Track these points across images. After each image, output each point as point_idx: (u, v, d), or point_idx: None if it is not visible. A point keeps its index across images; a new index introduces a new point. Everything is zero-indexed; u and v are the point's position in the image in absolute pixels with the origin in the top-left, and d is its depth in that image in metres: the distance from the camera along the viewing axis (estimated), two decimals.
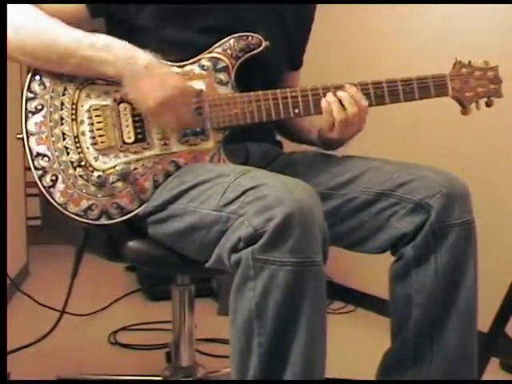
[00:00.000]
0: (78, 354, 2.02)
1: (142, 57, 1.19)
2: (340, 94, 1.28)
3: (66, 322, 2.12)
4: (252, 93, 1.26)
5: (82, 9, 1.28)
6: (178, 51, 1.27)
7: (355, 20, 2.49)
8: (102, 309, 2.47)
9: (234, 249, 1.03)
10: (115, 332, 2.20)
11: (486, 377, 1.57)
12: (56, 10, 1.25)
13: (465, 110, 1.38)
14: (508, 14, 1.95)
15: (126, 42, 1.21)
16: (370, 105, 1.31)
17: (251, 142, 1.37)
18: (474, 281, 1.23)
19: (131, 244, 1.26)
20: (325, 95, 1.28)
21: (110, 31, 1.32)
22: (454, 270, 1.21)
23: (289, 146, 1.53)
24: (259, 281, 1.00)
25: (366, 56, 2.43)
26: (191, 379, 1.59)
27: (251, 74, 1.29)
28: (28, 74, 1.24)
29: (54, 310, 2.12)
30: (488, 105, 1.39)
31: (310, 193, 1.06)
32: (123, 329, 2.23)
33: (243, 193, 1.06)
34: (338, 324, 2.33)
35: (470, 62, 1.37)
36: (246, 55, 1.29)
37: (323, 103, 1.28)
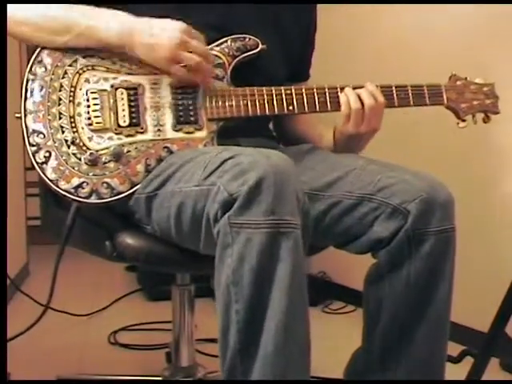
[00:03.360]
0: (78, 354, 2.02)
1: (142, 19, 1.23)
2: (358, 89, 1.31)
3: (66, 322, 2.13)
4: (247, 88, 1.29)
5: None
6: None
7: (354, 21, 2.48)
8: (102, 309, 2.47)
9: (216, 218, 1.03)
10: (115, 332, 2.19)
11: (485, 377, 1.57)
12: None
13: (461, 122, 1.39)
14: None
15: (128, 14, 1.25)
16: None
17: (243, 138, 1.37)
18: (448, 292, 1.21)
19: (130, 242, 1.26)
20: (320, 95, 1.30)
21: None
22: (427, 279, 1.19)
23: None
24: (236, 246, 0.99)
25: (365, 58, 2.43)
26: (191, 379, 1.58)
27: (250, 83, 1.31)
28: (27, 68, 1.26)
29: (54, 310, 2.12)
30: (485, 121, 1.40)
31: (286, 160, 1.06)
32: (123, 329, 2.23)
33: (222, 163, 1.06)
34: (338, 324, 2.34)
35: (466, 78, 1.40)
36: (243, 55, 1.32)
37: (342, 96, 1.31)
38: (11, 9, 1.24)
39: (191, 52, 1.22)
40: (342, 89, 1.32)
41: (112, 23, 1.22)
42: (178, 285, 1.58)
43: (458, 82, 1.39)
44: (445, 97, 1.38)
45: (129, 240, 1.26)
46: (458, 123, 1.40)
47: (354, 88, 1.32)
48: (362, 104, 1.30)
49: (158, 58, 1.23)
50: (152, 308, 2.52)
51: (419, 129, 2.23)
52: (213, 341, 2.07)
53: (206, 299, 2.51)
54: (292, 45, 1.45)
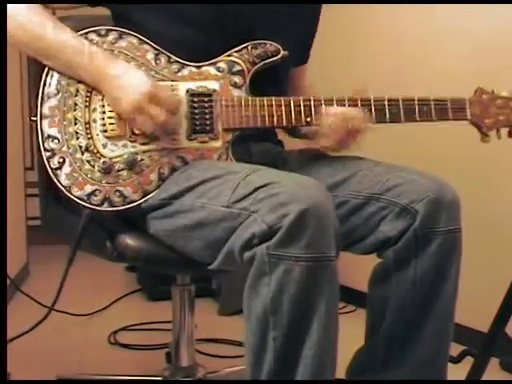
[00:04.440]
0: (78, 354, 2.02)
1: (117, 66, 1.22)
2: (342, 109, 1.27)
3: (66, 322, 2.13)
4: (265, 98, 1.27)
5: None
6: (184, 51, 1.28)
7: (355, 21, 2.48)
8: (102, 309, 2.47)
9: (247, 246, 1.04)
10: (115, 332, 2.19)
11: (486, 377, 1.57)
12: None
13: (484, 138, 1.35)
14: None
15: (105, 51, 1.24)
16: (384, 121, 1.29)
17: (253, 142, 1.37)
18: (453, 292, 1.22)
19: (131, 242, 1.26)
20: (340, 105, 1.28)
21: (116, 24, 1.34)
22: (433, 279, 1.20)
23: (290, 145, 1.52)
24: (274, 276, 1.01)
25: (366, 59, 2.42)
26: (191, 379, 1.59)
27: (261, 74, 1.30)
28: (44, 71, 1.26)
29: (54, 310, 2.12)
30: (510, 136, 1.35)
31: (323, 190, 1.08)
32: (123, 329, 2.23)
33: (255, 190, 1.07)
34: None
35: (493, 90, 1.35)
36: (263, 62, 1.30)
37: (324, 116, 1.26)
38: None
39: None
40: (362, 100, 1.28)
41: (89, 65, 1.22)
42: (178, 285, 1.58)
43: (484, 96, 1.35)
44: (468, 112, 1.33)
45: (129, 240, 1.26)
46: (481, 138, 1.36)
47: (349, 103, 1.28)
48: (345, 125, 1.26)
49: (118, 110, 1.22)
50: (152, 308, 2.52)
51: (420, 130, 2.23)
52: (213, 341, 2.08)
53: (205, 299, 2.52)
54: (302, 35, 1.43)
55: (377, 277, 1.27)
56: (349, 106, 1.29)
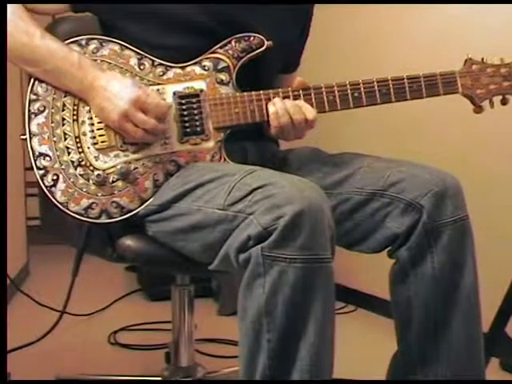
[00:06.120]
0: (78, 354, 2.02)
1: (105, 77, 1.21)
2: (288, 102, 1.25)
3: (66, 322, 2.12)
4: (253, 92, 1.26)
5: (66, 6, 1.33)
6: (169, 56, 1.27)
7: (354, 20, 2.48)
8: (102, 309, 2.47)
9: (243, 248, 1.04)
10: (115, 332, 2.20)
11: (486, 377, 1.57)
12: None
13: (477, 109, 1.34)
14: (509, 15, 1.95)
15: (94, 62, 1.24)
16: (375, 103, 1.29)
17: (248, 141, 1.37)
18: (474, 278, 1.22)
19: (131, 244, 1.26)
20: (328, 94, 1.27)
21: (103, 32, 1.33)
22: (452, 269, 1.21)
23: (285, 144, 1.52)
24: (269, 277, 1.01)
25: (365, 57, 2.42)
26: (191, 379, 1.58)
27: (244, 75, 1.29)
28: (28, 76, 1.26)
29: (54, 310, 2.13)
30: (503, 103, 1.34)
31: (318, 191, 1.07)
32: (123, 329, 2.23)
33: (251, 192, 1.06)
34: (338, 324, 2.33)
35: (482, 59, 1.33)
36: (248, 55, 1.29)
37: (270, 107, 1.26)
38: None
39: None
40: (353, 84, 1.28)
41: (77, 72, 1.21)
42: (178, 285, 1.58)
43: (474, 67, 1.33)
44: (459, 84, 1.31)
45: (129, 242, 1.26)
46: (474, 110, 1.34)
47: (338, 89, 1.28)
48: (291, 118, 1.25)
49: (106, 120, 1.21)
50: (152, 308, 2.52)
51: (419, 127, 2.24)
52: (213, 341, 2.08)
53: (206, 299, 2.52)
54: (288, 41, 1.42)
55: (396, 279, 1.26)
56: (339, 92, 1.27)
